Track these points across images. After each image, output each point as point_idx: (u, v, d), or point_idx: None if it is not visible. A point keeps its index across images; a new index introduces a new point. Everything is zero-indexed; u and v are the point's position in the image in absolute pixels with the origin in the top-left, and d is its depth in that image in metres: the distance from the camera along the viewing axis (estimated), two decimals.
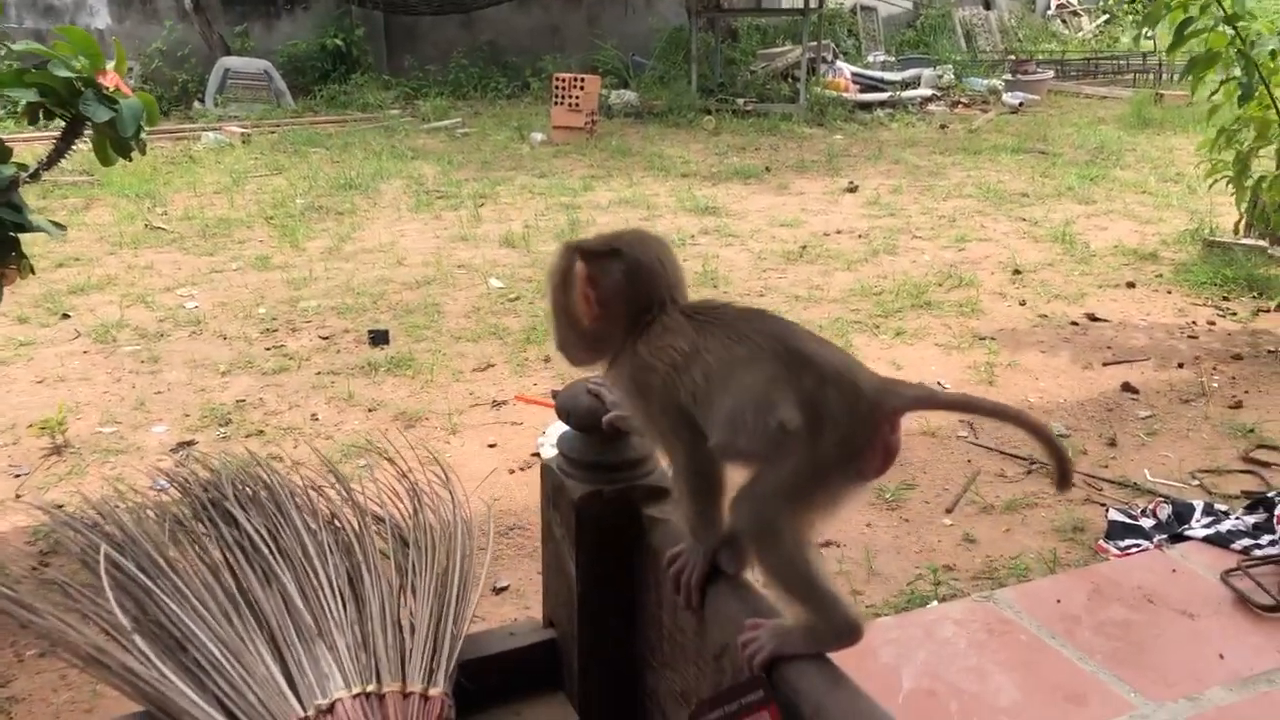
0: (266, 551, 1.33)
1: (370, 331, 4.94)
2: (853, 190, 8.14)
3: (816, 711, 0.92)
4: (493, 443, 3.91)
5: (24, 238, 2.89)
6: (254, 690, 1.12)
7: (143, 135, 2.82)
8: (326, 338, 4.99)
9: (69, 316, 5.32)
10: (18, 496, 3.55)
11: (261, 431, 3.95)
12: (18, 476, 3.69)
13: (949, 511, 3.41)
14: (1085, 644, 2.25)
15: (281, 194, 7.84)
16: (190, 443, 3.89)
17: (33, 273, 3.03)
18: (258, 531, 1.37)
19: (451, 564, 1.32)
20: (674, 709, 1.18)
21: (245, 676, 1.14)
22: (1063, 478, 1.00)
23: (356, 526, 1.41)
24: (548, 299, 1.12)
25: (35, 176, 2.87)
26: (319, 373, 4.56)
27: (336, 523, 1.42)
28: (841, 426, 0.96)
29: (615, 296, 1.07)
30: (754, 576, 1.09)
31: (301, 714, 1.07)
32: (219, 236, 6.75)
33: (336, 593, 1.25)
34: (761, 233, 6.84)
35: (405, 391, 4.35)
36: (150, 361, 4.71)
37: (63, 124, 2.88)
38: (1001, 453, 3.82)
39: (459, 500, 1.42)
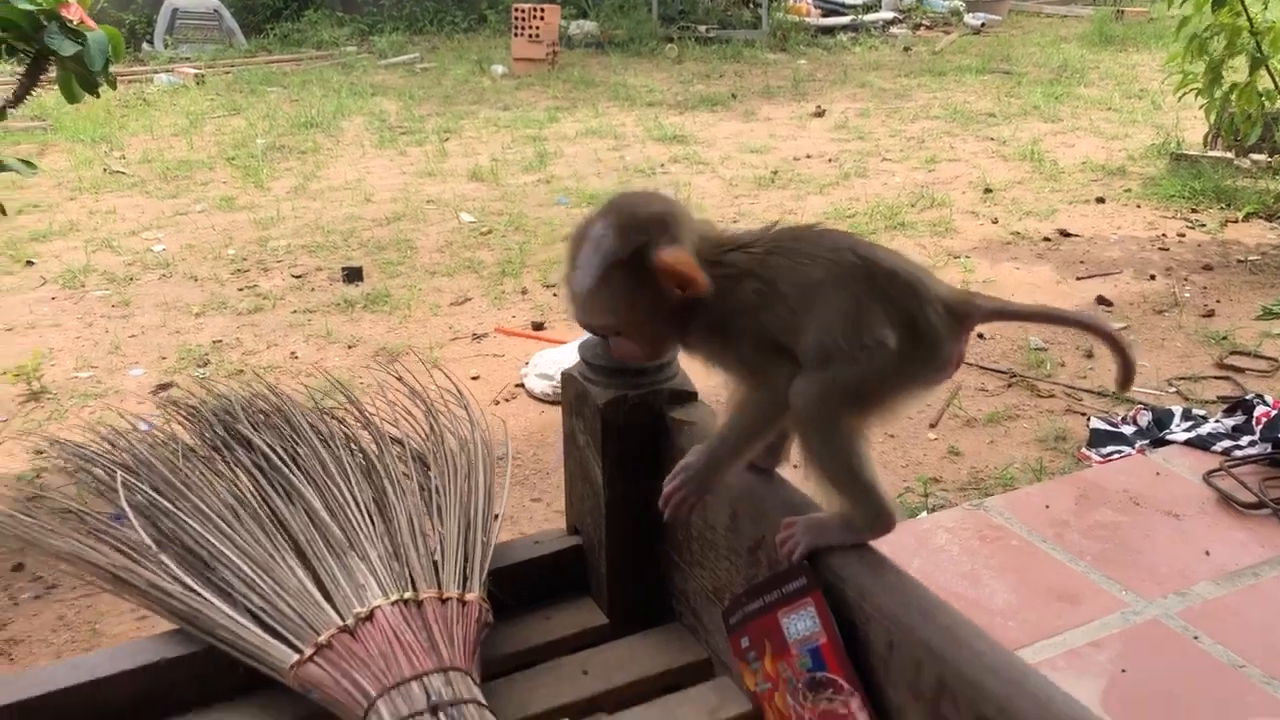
0: (286, 471, 1.32)
1: (343, 269, 4.88)
2: (820, 115, 8.10)
3: (861, 595, 0.94)
4: (475, 375, 3.90)
5: None
6: (288, 602, 1.12)
7: (110, 69, 2.75)
8: (299, 276, 4.93)
9: (33, 263, 5.22)
10: None
11: (241, 371, 3.92)
12: None
13: (933, 426, 3.45)
14: (1075, 546, 2.30)
15: (241, 134, 7.69)
16: (169, 384, 3.85)
17: (3, 213, 2.96)
18: (274, 452, 1.36)
19: (474, 478, 1.32)
20: (705, 606, 1.20)
21: (278, 590, 1.14)
22: (1125, 379, 1.01)
23: (375, 448, 1.40)
24: (622, 328, 1.01)
25: (2, 115, 2.79)
26: (294, 311, 4.51)
27: (353, 446, 1.41)
28: (933, 340, 0.96)
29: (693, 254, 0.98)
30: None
31: (340, 623, 1.08)
32: (180, 179, 6.62)
33: (362, 509, 1.25)
34: (731, 159, 6.80)
35: (384, 327, 4.32)
36: (121, 305, 4.64)
37: (25, 61, 2.80)
38: (981, 367, 3.86)
39: (475, 416, 1.42)
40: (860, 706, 0.94)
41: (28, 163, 2.87)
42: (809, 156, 6.89)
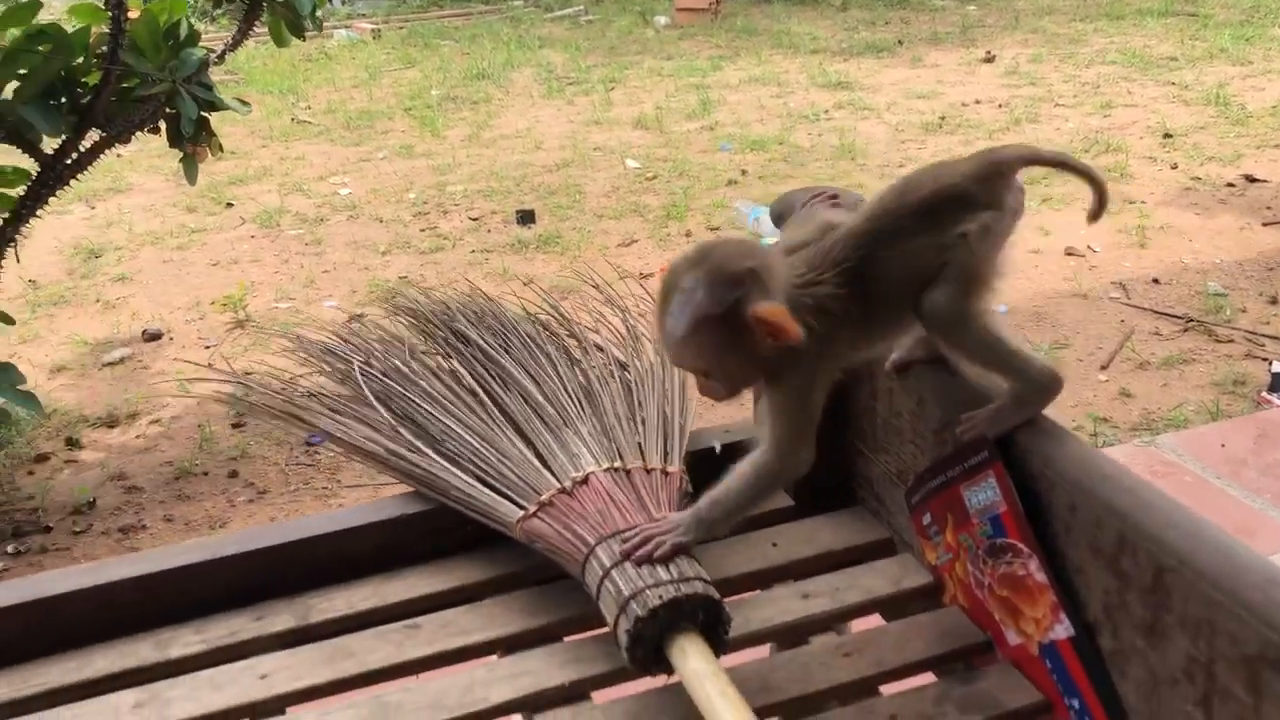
0: (502, 361, 1.46)
1: (517, 212, 5.09)
2: (990, 60, 7.90)
3: (1044, 463, 1.01)
4: (643, 312, 4.03)
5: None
6: (511, 469, 1.26)
7: (318, 13, 2.96)
8: (476, 219, 5.16)
9: (232, 205, 5.61)
10: (209, 366, 3.83)
11: None
12: (208, 348, 3.97)
13: (1104, 368, 3.41)
14: (1252, 484, 2.28)
15: (416, 86, 8.00)
16: (361, 315, 4.12)
17: (221, 151, 3.23)
18: (489, 345, 1.51)
19: (669, 380, 1.43)
20: (888, 489, 1.28)
21: (501, 459, 1.28)
22: (1096, 211, 1.05)
23: (580, 350, 1.53)
24: (710, 371, 1.04)
25: (221, 58, 3.04)
26: (473, 251, 4.74)
27: (560, 344, 1.55)
28: (1000, 206, 1.03)
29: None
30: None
31: (559, 485, 1.21)
32: (362, 128, 6.96)
33: (571, 395, 1.38)
34: (897, 105, 6.72)
35: (555, 266, 4.50)
36: (314, 244, 4.96)
37: (241, 9, 3.03)
38: (1156, 312, 3.78)
39: None
40: (1038, 567, 1.01)
41: (242, 101, 3.12)
42: (978, 102, 6.75)
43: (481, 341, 1.53)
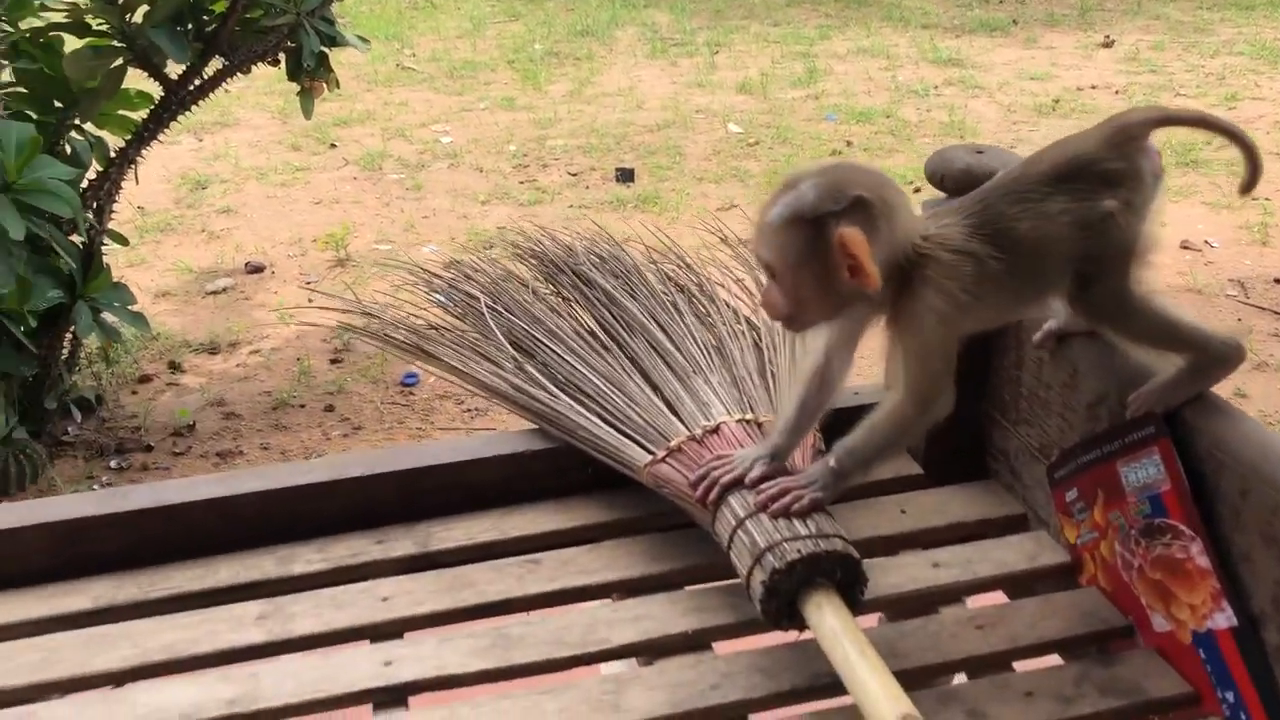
0: (627, 304, 1.44)
1: (617, 169, 5.06)
2: (1108, 45, 7.64)
3: (1214, 444, 0.96)
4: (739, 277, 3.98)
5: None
6: (638, 413, 1.24)
7: None
8: (575, 174, 5.14)
9: (336, 146, 5.66)
10: (310, 301, 3.88)
11: None
12: (308, 284, 4.02)
13: None
14: None
15: (520, 39, 7.99)
16: (459, 262, 4.12)
17: (338, 87, 3.25)
18: (615, 289, 1.49)
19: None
20: (1026, 463, 1.24)
21: (628, 402, 1.26)
22: (1249, 183, 1.03)
23: (707, 303, 1.50)
24: (779, 275, 1.00)
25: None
26: (570, 206, 4.72)
27: (689, 294, 1.52)
28: (1129, 177, 0.99)
29: (878, 249, 0.96)
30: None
31: (688, 433, 1.19)
32: (465, 78, 6.97)
33: (700, 344, 1.36)
34: (1009, 85, 6.54)
35: (653, 226, 4.46)
36: (414, 189, 4.99)
37: None
38: (1275, 312, 3.63)
39: None
40: (1200, 551, 0.96)
41: (362, 38, 3.13)
42: (1094, 87, 6.53)
43: (606, 285, 1.51)
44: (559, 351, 1.37)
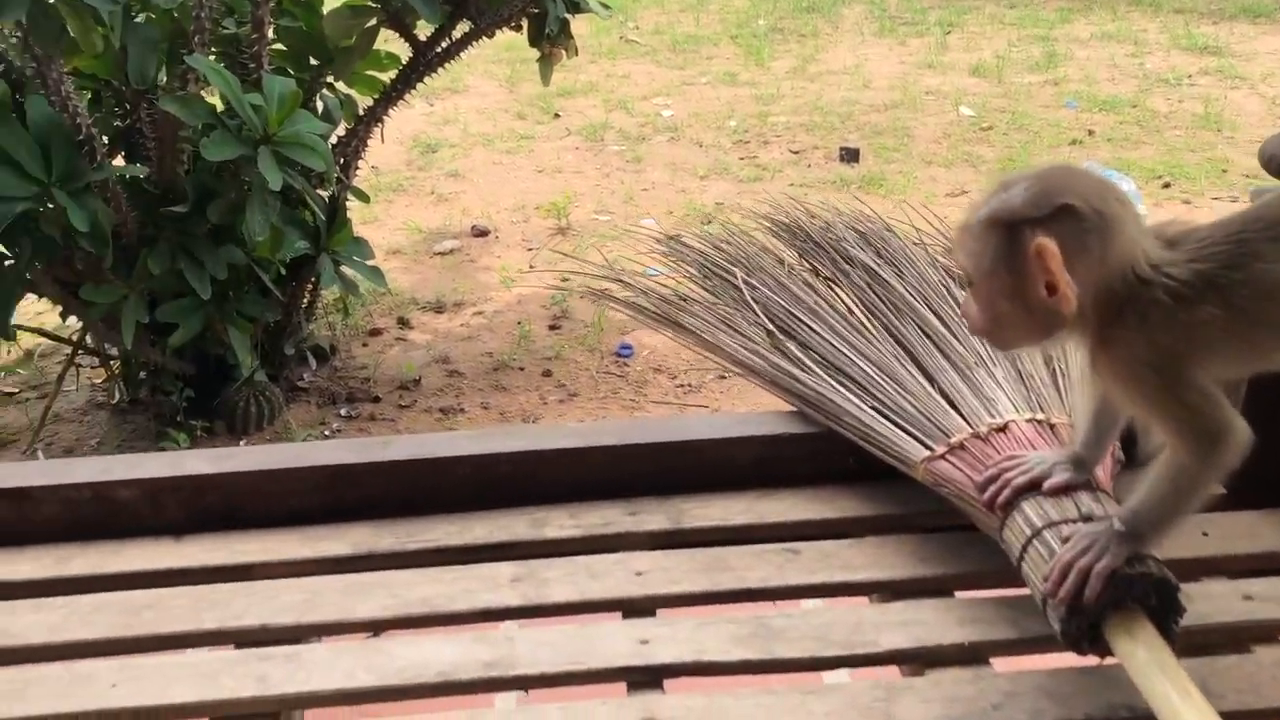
0: (897, 286, 1.35)
1: (841, 149, 4.92)
2: None
3: None
4: None
5: None
6: (912, 403, 1.15)
7: None
8: (797, 152, 5.03)
9: (559, 116, 5.73)
10: (530, 267, 3.94)
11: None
12: (529, 250, 4.08)
13: None
14: None
15: (744, 14, 7.91)
16: (677, 236, 4.09)
17: (576, 54, 3.26)
18: (880, 268, 1.40)
19: None
20: None
21: (900, 391, 1.18)
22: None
23: None
24: (975, 283, 0.91)
25: None
26: (791, 184, 4.62)
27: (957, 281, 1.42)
28: None
29: (1086, 269, 0.86)
30: None
31: (970, 430, 1.10)
32: (687, 52, 6.95)
33: None
34: (1274, 76, 6.02)
35: (879, 209, 4.29)
36: (634, 161, 5.00)
37: None
38: None
39: None
40: None
41: (604, 4, 3.12)
42: None
43: (870, 263, 1.42)
44: (820, 331, 1.30)
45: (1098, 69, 6.25)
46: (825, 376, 1.22)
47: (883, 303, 1.35)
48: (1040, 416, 1.11)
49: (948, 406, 1.14)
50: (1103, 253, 0.86)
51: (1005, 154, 4.87)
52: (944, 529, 1.13)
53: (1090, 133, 5.18)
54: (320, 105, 2.97)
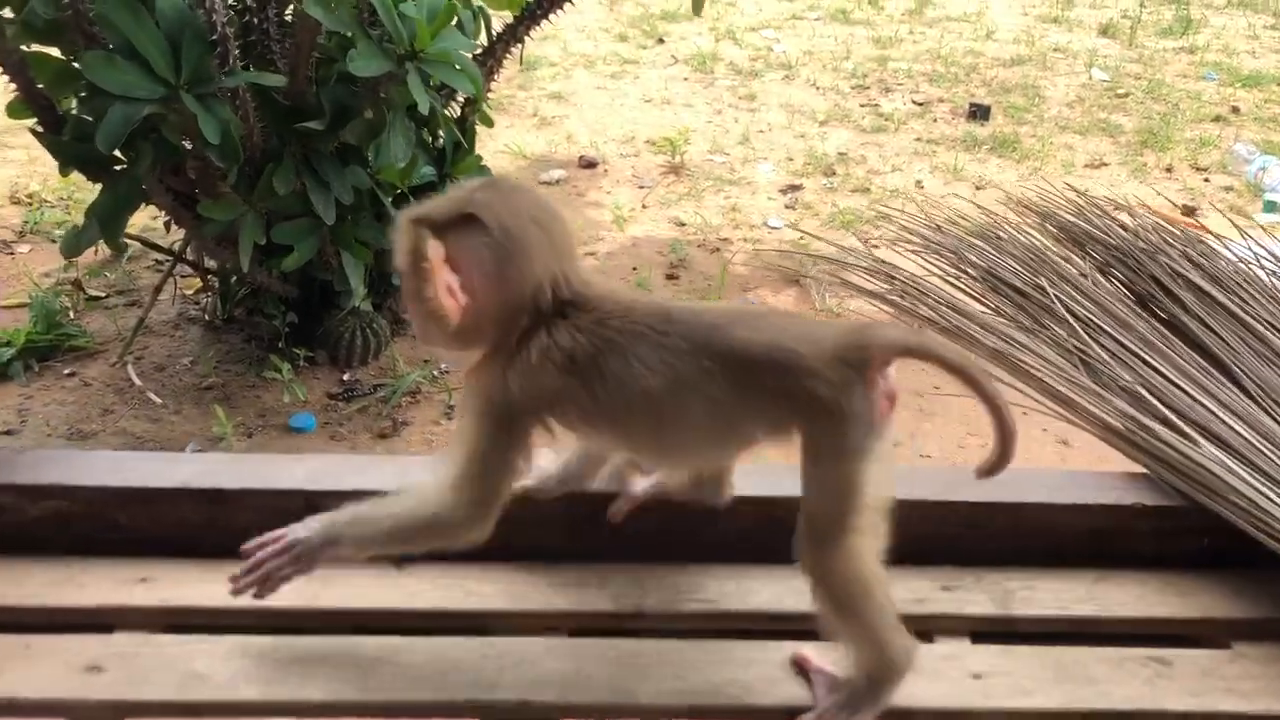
0: (1249, 320, 1.11)
1: (971, 105, 4.61)
2: None
3: None
4: None
5: None
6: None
7: None
8: (921, 104, 4.72)
9: (663, 41, 5.42)
10: (643, 207, 3.69)
11: (867, 189, 3.82)
12: (641, 188, 3.83)
13: None
14: None
15: None
16: (797, 187, 3.84)
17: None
18: (1217, 294, 1.16)
19: None
20: None
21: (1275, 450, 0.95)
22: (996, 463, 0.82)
23: None
24: (401, 256, 0.85)
25: None
26: (917, 139, 4.32)
27: None
28: (830, 409, 0.80)
29: (484, 285, 0.84)
30: None
31: None
32: None
33: None
34: None
35: (1013, 175, 4.02)
36: (747, 99, 4.70)
37: None
38: None
39: None
40: None
41: None
42: None
43: (1205, 287, 1.18)
44: (1164, 370, 1.07)
45: (1235, 39, 5.85)
46: (1191, 433, 0.99)
47: (1220, 336, 1.11)
48: None
49: None
50: (501, 272, 0.83)
51: (1144, 125, 4.54)
52: None
53: (1235, 109, 4.82)
54: (455, 20, 2.71)
